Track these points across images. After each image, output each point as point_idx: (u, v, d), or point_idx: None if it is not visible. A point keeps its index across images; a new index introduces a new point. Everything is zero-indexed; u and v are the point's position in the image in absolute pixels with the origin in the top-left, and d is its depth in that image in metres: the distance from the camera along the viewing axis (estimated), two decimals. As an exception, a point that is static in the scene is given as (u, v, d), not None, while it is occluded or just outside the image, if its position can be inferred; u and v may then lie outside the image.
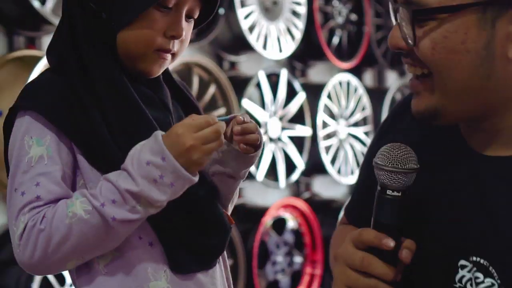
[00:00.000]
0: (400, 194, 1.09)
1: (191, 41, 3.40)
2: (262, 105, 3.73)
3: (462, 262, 1.11)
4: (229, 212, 1.40)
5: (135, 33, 1.27)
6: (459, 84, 1.07)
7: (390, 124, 1.30)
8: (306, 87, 3.97)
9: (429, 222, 1.14)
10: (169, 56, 1.31)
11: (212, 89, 3.45)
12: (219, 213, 1.35)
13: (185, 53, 3.43)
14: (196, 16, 1.34)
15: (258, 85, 3.71)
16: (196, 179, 1.23)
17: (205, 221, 1.32)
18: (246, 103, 3.58)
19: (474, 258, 1.09)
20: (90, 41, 1.27)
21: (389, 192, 1.09)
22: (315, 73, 4.26)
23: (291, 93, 3.86)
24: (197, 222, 1.31)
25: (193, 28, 1.36)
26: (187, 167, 1.21)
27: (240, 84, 3.61)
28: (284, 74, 3.80)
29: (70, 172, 1.25)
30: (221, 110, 3.47)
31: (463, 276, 1.11)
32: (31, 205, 1.21)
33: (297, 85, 3.88)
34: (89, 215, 1.19)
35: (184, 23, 1.30)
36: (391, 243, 1.07)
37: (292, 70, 4.07)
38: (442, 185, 1.14)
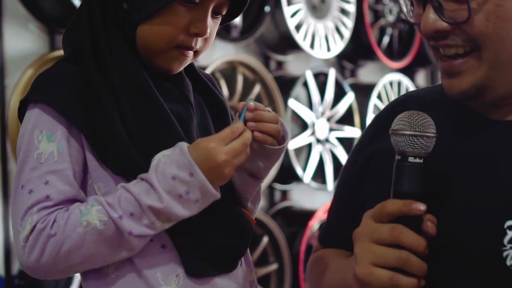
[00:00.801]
0: (422, 161, 1.06)
1: (236, 39, 3.34)
2: (310, 105, 3.64)
3: (509, 223, 1.07)
4: (254, 215, 1.31)
5: (156, 28, 1.20)
6: (511, 54, 1.07)
7: (375, 134, 1.26)
8: (355, 87, 3.87)
9: (459, 193, 1.10)
10: (191, 53, 1.24)
11: (257, 89, 3.38)
12: (237, 212, 1.27)
13: (229, 51, 3.43)
14: (224, 13, 1.26)
15: (305, 85, 3.63)
16: (219, 195, 1.16)
17: (222, 221, 1.23)
18: (292, 103, 3.50)
19: None
20: (109, 32, 1.21)
21: (410, 159, 1.06)
22: (365, 73, 4.16)
23: (339, 94, 3.77)
24: (213, 222, 1.22)
25: (220, 24, 1.28)
26: (214, 183, 1.15)
27: (287, 84, 3.53)
28: (332, 74, 3.70)
29: (80, 170, 1.18)
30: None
31: None
32: (40, 205, 1.14)
33: (346, 85, 3.79)
34: (104, 226, 1.13)
35: (209, 20, 1.22)
36: (421, 206, 1.04)
37: (341, 70, 3.98)
38: (463, 156, 1.12)
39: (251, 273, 1.30)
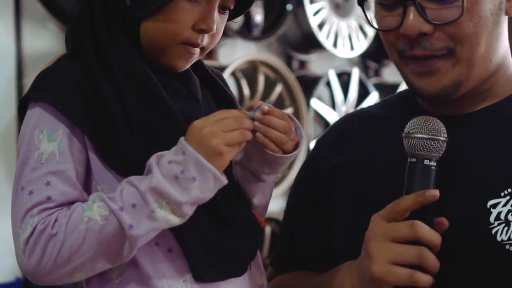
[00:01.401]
0: (435, 164, 1.11)
1: (257, 38, 3.29)
2: (333, 105, 3.58)
3: (491, 202, 1.11)
4: (263, 217, 1.26)
5: (161, 24, 1.15)
6: (482, 50, 1.12)
7: (333, 149, 1.29)
8: (379, 87, 3.81)
9: (440, 183, 1.13)
10: (197, 50, 1.19)
11: (278, 88, 3.33)
12: (246, 214, 1.21)
13: (250, 50, 3.39)
14: (231, 7, 1.20)
15: (328, 85, 3.57)
16: (224, 179, 1.10)
17: (231, 223, 1.18)
18: (315, 103, 3.44)
19: (508, 190, 1.10)
20: (111, 28, 1.16)
21: (426, 162, 1.10)
22: (390, 72, 4.09)
23: (363, 93, 3.70)
24: (222, 224, 1.17)
25: (228, 20, 1.23)
26: (209, 158, 1.09)
27: (309, 84, 3.48)
28: (356, 73, 3.64)
29: (83, 171, 1.14)
30: (289, 110, 3.34)
31: (499, 213, 1.11)
32: (41, 207, 1.09)
33: (370, 85, 3.72)
34: (105, 221, 1.08)
35: (216, 15, 1.17)
36: (435, 192, 1.08)
37: (365, 70, 3.92)
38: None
39: (261, 277, 1.25)
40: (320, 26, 3.47)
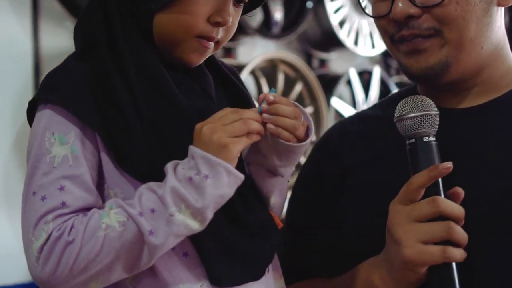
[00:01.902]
0: (434, 139, 1.11)
1: (277, 36, 3.25)
2: (353, 104, 3.53)
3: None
4: (280, 217, 1.22)
5: (175, 17, 1.11)
6: (472, 34, 1.15)
7: (340, 151, 1.30)
8: (401, 85, 3.75)
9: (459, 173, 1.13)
10: (211, 44, 1.15)
11: (298, 87, 3.29)
12: (263, 215, 1.17)
13: (270, 49, 3.35)
14: (247, 0, 1.17)
15: (349, 83, 3.52)
16: (238, 173, 1.06)
17: (247, 225, 1.13)
18: (335, 101, 3.39)
19: None
20: (123, 21, 1.12)
21: (425, 139, 1.11)
22: (412, 71, 4.03)
23: (385, 92, 3.65)
24: (238, 226, 1.12)
25: (242, 14, 1.19)
26: (215, 153, 1.05)
27: (330, 82, 3.44)
28: (377, 72, 3.59)
29: (95, 175, 1.09)
30: (309, 109, 3.30)
31: None
32: (56, 213, 1.05)
33: (391, 83, 3.67)
34: (123, 228, 1.03)
35: (231, 8, 1.14)
36: (448, 164, 1.08)
37: (386, 68, 3.86)
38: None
39: (279, 279, 1.20)
40: (341, 24, 3.42)
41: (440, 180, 1.09)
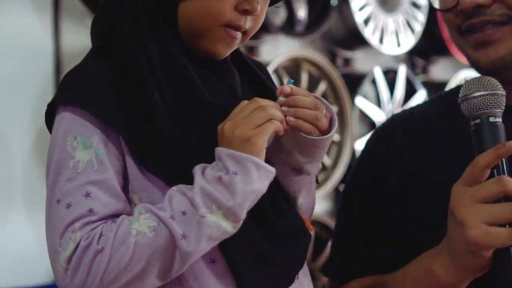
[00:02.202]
0: (501, 120, 1.07)
1: (301, 34, 3.20)
2: (378, 103, 3.47)
3: None
4: (310, 220, 1.17)
5: (202, 4, 1.06)
6: None
7: (400, 151, 1.26)
8: (427, 85, 3.68)
9: None
10: (239, 34, 1.10)
11: (322, 86, 3.24)
12: (292, 218, 1.12)
13: (293, 47, 3.29)
14: None
15: (374, 82, 3.46)
16: (268, 166, 1.02)
17: (276, 229, 1.08)
18: (360, 101, 3.34)
19: None
20: (148, 11, 1.08)
21: (491, 119, 1.06)
22: (438, 69, 3.96)
23: (410, 91, 3.58)
24: (266, 230, 1.07)
25: (270, 5, 1.15)
26: (239, 148, 1.01)
27: (354, 81, 3.37)
28: (402, 71, 3.53)
29: (121, 179, 1.05)
30: (333, 109, 3.24)
31: None
32: (83, 221, 1.00)
33: (417, 82, 3.60)
34: (154, 233, 0.98)
35: None
36: None
37: (412, 67, 3.79)
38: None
39: (309, 285, 1.15)
40: (366, 21, 3.36)
41: (505, 161, 1.04)
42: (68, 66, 2.67)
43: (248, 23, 1.09)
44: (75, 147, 1.02)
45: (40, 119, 2.58)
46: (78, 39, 2.73)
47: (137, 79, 1.04)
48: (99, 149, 1.03)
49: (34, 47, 2.64)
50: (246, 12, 1.08)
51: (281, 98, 1.05)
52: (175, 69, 1.07)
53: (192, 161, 1.03)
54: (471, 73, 3.85)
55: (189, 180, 1.02)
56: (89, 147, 1.03)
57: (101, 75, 1.05)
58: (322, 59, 3.22)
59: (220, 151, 1.01)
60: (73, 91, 1.04)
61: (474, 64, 1.16)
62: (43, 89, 2.63)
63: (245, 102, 1.05)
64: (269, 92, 1.16)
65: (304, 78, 3.21)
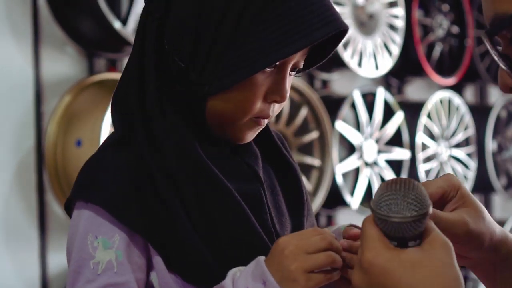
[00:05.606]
0: (419, 242, 0.88)
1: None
2: (357, 127, 3.46)
3: None
4: None
5: (233, 99, 1.04)
6: None
7: None
8: (403, 105, 3.69)
9: None
10: (266, 121, 1.09)
11: (304, 112, 3.21)
12: None
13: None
14: (301, 66, 1.10)
15: (353, 105, 3.45)
16: None
17: None
18: (340, 125, 3.32)
19: None
20: (168, 104, 1.05)
21: (411, 243, 0.87)
22: (413, 90, 3.98)
23: (388, 113, 3.59)
24: None
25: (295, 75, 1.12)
26: (283, 283, 0.95)
27: (333, 104, 3.36)
28: (381, 93, 3.53)
29: (143, 276, 1.03)
30: (314, 134, 3.22)
31: None
32: None
33: (394, 104, 3.60)
34: None
35: (288, 79, 1.07)
36: None
37: (387, 87, 3.80)
38: None
39: None
40: (345, 45, 3.35)
41: None
42: (49, 94, 2.62)
43: (275, 109, 1.09)
44: (95, 247, 1.01)
45: (21, 150, 2.53)
46: (59, 67, 2.68)
47: (149, 181, 1.02)
48: (119, 250, 1.01)
49: (14, 76, 2.58)
50: (275, 102, 1.07)
51: (344, 243, 0.99)
52: (192, 163, 1.03)
53: (218, 260, 1.01)
54: (446, 94, 3.87)
55: (216, 280, 0.99)
56: (110, 247, 1.01)
57: (121, 170, 1.02)
58: (302, 84, 3.20)
59: (270, 282, 0.95)
60: (93, 187, 1.02)
61: None
62: (24, 120, 2.56)
63: (316, 231, 0.98)
64: (289, 171, 1.15)
65: (286, 104, 3.18)
